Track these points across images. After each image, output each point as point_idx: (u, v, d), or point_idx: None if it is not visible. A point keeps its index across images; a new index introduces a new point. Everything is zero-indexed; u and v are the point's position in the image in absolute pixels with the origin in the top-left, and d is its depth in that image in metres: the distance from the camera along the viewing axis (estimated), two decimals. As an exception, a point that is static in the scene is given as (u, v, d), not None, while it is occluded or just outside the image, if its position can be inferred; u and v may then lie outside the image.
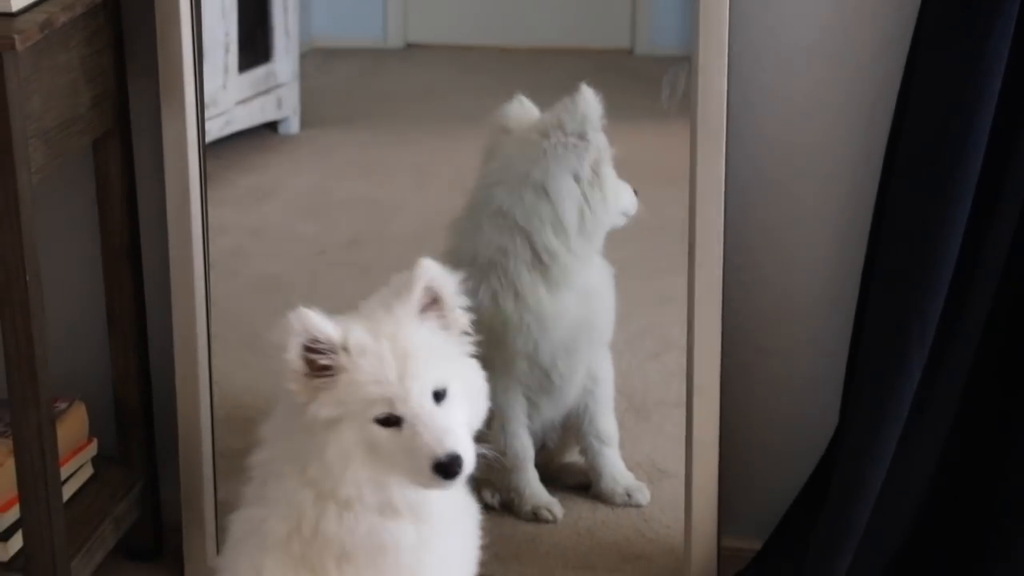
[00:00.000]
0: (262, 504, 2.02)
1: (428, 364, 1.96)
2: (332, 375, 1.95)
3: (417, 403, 1.94)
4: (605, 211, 2.52)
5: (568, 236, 2.51)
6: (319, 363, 1.95)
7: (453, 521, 2.05)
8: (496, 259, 2.53)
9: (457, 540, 2.06)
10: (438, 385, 1.96)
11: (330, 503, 1.97)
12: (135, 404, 2.67)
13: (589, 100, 2.47)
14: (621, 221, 2.54)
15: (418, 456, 1.93)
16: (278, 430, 2.03)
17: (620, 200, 2.52)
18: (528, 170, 2.51)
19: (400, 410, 1.94)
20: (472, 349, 2.06)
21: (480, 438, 2.06)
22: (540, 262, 2.53)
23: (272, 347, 1.96)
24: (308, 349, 1.95)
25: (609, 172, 2.51)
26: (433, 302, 2.02)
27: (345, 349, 1.95)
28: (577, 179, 2.50)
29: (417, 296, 2.00)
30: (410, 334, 1.97)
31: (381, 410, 1.94)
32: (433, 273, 2.01)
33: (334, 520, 1.97)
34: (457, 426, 1.96)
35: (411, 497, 1.99)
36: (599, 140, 2.49)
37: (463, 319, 2.05)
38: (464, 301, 2.05)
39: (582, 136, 2.49)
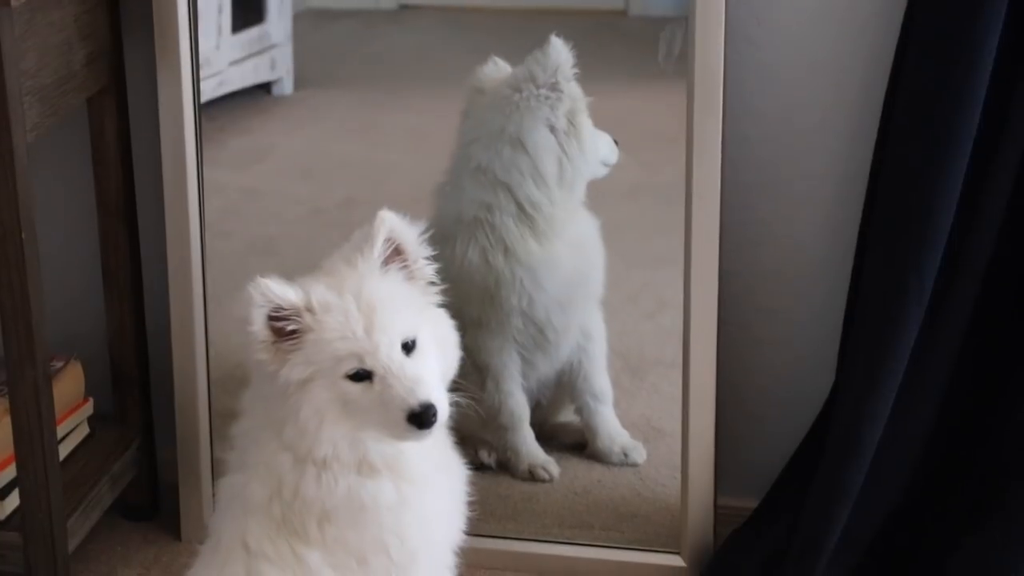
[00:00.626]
0: (243, 470, 2.03)
1: (394, 316, 1.95)
2: (299, 337, 1.94)
3: (386, 355, 1.93)
4: (584, 161, 2.52)
5: (549, 187, 2.52)
6: (286, 329, 1.94)
7: (435, 478, 2.05)
8: (482, 216, 2.54)
9: (441, 498, 2.05)
10: (406, 336, 1.95)
11: (308, 465, 1.97)
12: (131, 363, 2.67)
13: (559, 50, 2.47)
14: (602, 171, 2.54)
15: (391, 408, 1.93)
16: (255, 399, 2.03)
17: (599, 150, 2.53)
18: (503, 125, 2.51)
19: (370, 364, 1.93)
20: (439, 299, 2.06)
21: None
22: (525, 215, 2.54)
23: (237, 321, 1.95)
24: (272, 317, 1.94)
25: (585, 122, 2.51)
26: (396, 253, 2.01)
27: (309, 310, 1.94)
28: (553, 130, 2.51)
29: (378, 248, 1.99)
30: (374, 287, 1.97)
31: (351, 366, 1.94)
32: (393, 224, 2.00)
33: (313, 482, 1.98)
34: (429, 375, 1.95)
35: (388, 453, 1.99)
36: (572, 90, 2.50)
37: (427, 269, 2.04)
38: (427, 251, 2.04)
39: (554, 87, 2.49)
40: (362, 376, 1.94)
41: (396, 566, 2.01)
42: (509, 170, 2.52)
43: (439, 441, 2.07)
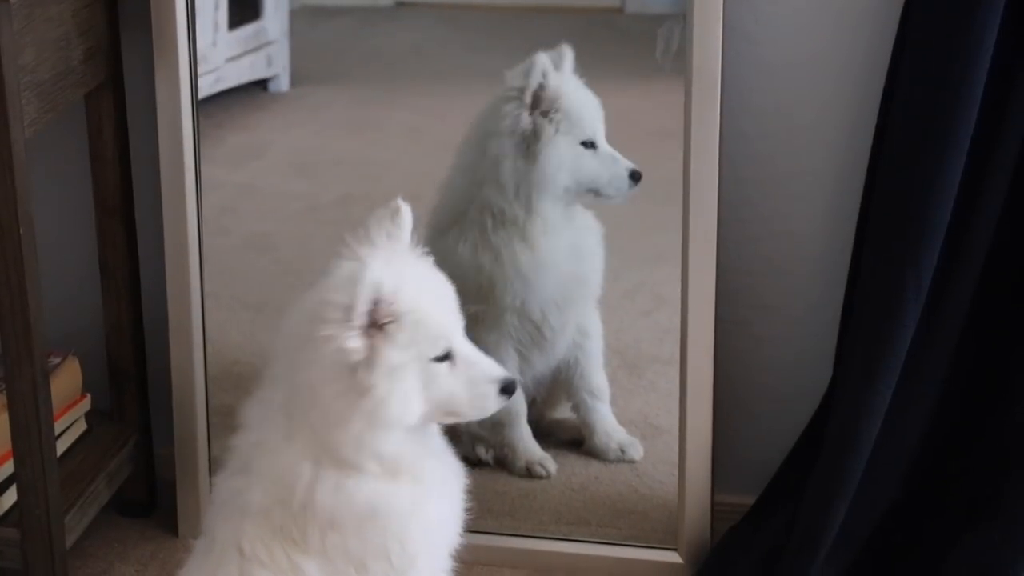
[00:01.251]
0: (245, 475, 2.02)
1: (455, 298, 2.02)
2: (393, 322, 1.94)
3: (463, 336, 2.01)
4: (542, 178, 2.51)
5: (507, 197, 2.52)
6: (380, 314, 1.94)
7: (444, 484, 2.06)
8: (471, 214, 2.55)
9: (445, 505, 2.07)
10: None
11: (329, 472, 1.97)
12: (128, 360, 2.67)
13: (539, 69, 2.49)
14: (578, 193, 2.54)
15: (480, 383, 2.00)
16: (271, 411, 2.01)
17: (574, 172, 2.52)
18: (486, 127, 2.53)
19: (455, 344, 1.99)
20: None
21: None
22: (502, 219, 2.54)
23: (321, 317, 1.93)
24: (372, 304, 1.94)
25: (552, 141, 2.50)
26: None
27: (397, 292, 1.94)
28: (514, 140, 2.51)
29: (406, 236, 2.02)
30: (432, 272, 2.03)
31: (443, 347, 1.98)
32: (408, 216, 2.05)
33: (331, 490, 1.97)
34: None
35: (414, 455, 2.00)
36: (560, 108, 2.51)
37: None
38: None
39: (521, 101, 2.50)
40: (443, 358, 1.98)
41: (395, 571, 2.01)
42: (478, 172, 2.54)
43: (443, 444, 2.09)
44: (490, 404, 2.01)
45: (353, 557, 2.00)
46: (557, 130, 2.50)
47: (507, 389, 2.01)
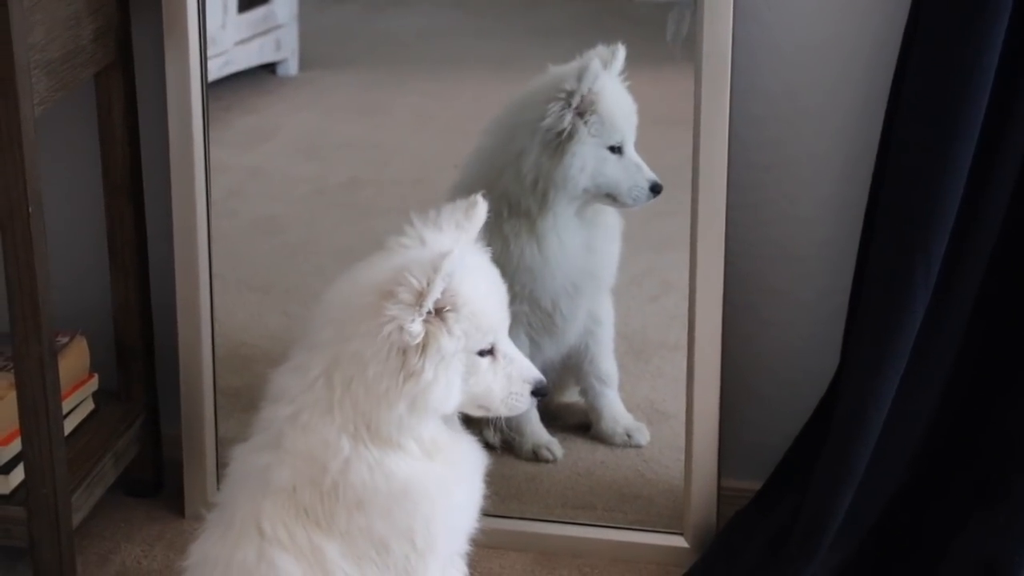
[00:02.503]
0: (272, 451, 2.01)
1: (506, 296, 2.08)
2: (452, 311, 1.98)
3: (507, 333, 2.06)
4: (562, 180, 2.52)
5: (524, 189, 2.53)
6: (439, 303, 1.97)
7: (470, 469, 2.08)
8: (489, 202, 2.53)
9: (468, 490, 2.08)
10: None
11: (369, 449, 1.98)
12: (136, 339, 2.67)
13: (592, 75, 2.49)
14: (613, 201, 2.54)
15: (515, 381, 2.05)
16: (309, 382, 2.00)
17: (595, 176, 2.52)
18: (519, 118, 2.53)
19: (499, 340, 2.04)
20: None
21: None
22: (520, 209, 2.54)
23: (391, 294, 1.95)
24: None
25: (578, 148, 2.51)
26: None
27: (460, 283, 1.98)
28: (549, 138, 2.51)
29: (476, 230, 2.08)
30: (491, 267, 2.08)
31: (488, 341, 2.03)
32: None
33: (368, 467, 1.98)
34: None
35: (448, 438, 2.04)
36: (598, 115, 2.51)
37: None
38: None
39: (567, 103, 2.50)
40: (486, 352, 2.03)
41: (416, 553, 2.02)
42: (501, 160, 2.54)
43: (463, 430, 2.11)
44: (522, 403, 2.06)
45: (377, 539, 2.00)
46: (589, 132, 2.51)
47: (540, 391, 2.07)
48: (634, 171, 2.52)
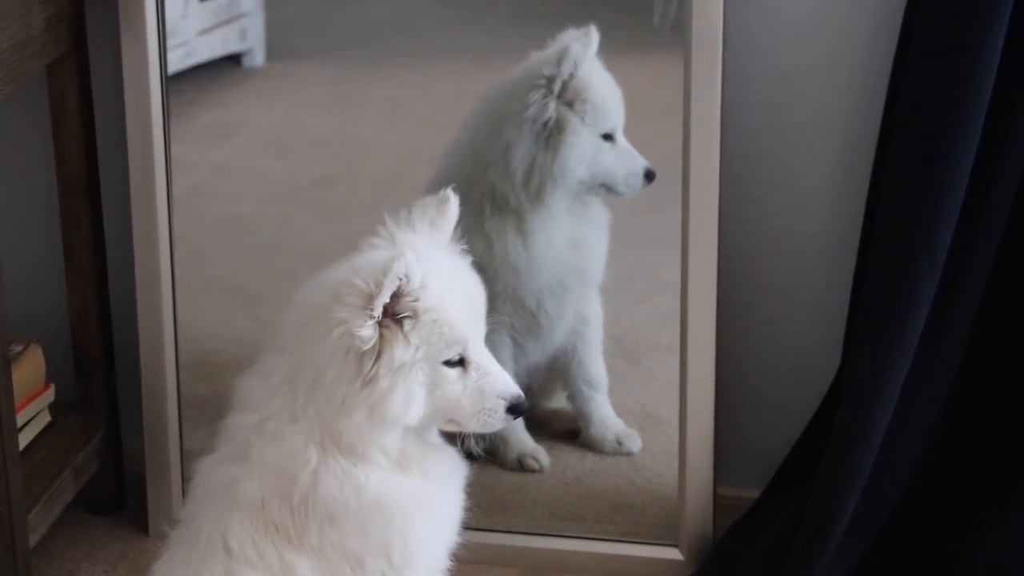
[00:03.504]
0: (239, 463, 2.00)
1: (484, 304, 2.04)
2: (410, 317, 1.94)
3: (482, 343, 2.00)
4: (560, 173, 2.51)
5: (515, 186, 2.52)
6: (398, 306, 1.93)
7: (448, 482, 2.07)
8: (472, 198, 2.52)
9: (447, 503, 2.07)
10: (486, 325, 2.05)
11: (336, 459, 1.96)
12: (95, 347, 2.66)
13: (571, 59, 2.48)
14: (608, 191, 2.54)
15: (489, 396, 2.00)
16: (273, 388, 1.99)
17: (598, 167, 2.51)
18: (503, 109, 2.52)
19: (471, 351, 1.99)
20: None
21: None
22: (506, 206, 2.53)
23: (340, 297, 1.92)
24: (394, 294, 1.94)
25: (574, 138, 2.50)
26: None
27: (425, 288, 1.95)
28: (533, 129, 2.50)
29: (450, 228, 2.04)
30: (466, 271, 2.04)
31: (455, 351, 1.97)
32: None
33: (336, 478, 1.96)
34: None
35: (420, 450, 2.02)
36: (585, 100, 2.50)
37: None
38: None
39: (550, 89, 2.49)
40: (454, 363, 1.98)
41: (393, 570, 2.01)
42: (487, 155, 2.53)
43: (440, 438, 2.09)
44: (495, 420, 2.01)
45: (351, 555, 1.99)
46: (583, 121, 2.50)
47: (516, 409, 2.02)
48: (628, 159, 2.52)
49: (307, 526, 1.97)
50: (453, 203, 2.04)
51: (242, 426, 2.01)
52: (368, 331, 1.91)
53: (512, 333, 2.58)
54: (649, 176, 2.51)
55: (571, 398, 2.65)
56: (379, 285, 1.90)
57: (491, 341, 2.49)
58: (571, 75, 2.48)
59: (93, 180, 2.60)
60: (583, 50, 2.48)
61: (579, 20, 2.48)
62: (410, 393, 1.95)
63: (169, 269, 2.60)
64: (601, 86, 2.50)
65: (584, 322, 2.62)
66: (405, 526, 1.99)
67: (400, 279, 1.91)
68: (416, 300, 1.93)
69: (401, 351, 1.93)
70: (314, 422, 1.96)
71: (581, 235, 2.57)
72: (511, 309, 2.56)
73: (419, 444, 2.02)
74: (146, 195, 2.56)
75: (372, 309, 1.91)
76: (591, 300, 2.62)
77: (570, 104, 2.50)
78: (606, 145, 2.51)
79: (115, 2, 2.50)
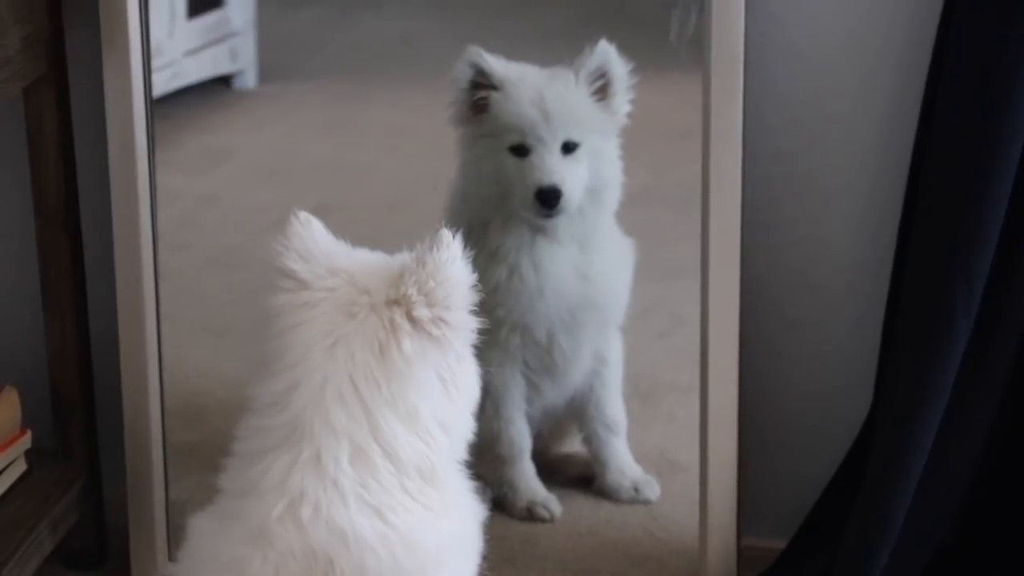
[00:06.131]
0: (255, 545, 1.96)
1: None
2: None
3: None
4: (477, 188, 2.55)
5: (487, 204, 2.55)
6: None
7: (471, 526, 2.07)
8: (479, 214, 2.56)
9: (467, 547, 2.07)
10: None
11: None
12: (74, 390, 2.67)
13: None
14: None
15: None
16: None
17: (498, 185, 2.53)
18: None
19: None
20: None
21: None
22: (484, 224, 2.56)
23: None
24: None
25: (469, 152, 2.55)
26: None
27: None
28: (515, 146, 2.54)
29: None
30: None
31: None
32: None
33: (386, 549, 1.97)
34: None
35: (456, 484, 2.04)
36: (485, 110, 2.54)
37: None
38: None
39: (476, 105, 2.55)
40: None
41: None
42: (469, 175, 2.57)
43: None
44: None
45: None
46: (481, 131, 2.56)
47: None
48: (530, 175, 2.52)
49: None
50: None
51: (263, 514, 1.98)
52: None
53: (525, 372, 2.60)
54: (544, 197, 2.51)
55: (587, 441, 2.66)
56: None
57: (500, 378, 2.55)
58: (469, 81, 2.52)
59: (72, 210, 2.61)
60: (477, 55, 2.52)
61: (590, 35, 2.50)
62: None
63: (154, 306, 2.61)
64: (513, 94, 2.52)
65: (603, 362, 2.63)
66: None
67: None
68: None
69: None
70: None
71: (586, 264, 2.58)
72: (519, 342, 2.58)
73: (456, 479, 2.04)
74: (129, 226, 2.57)
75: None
76: (610, 340, 2.63)
77: (481, 112, 2.53)
78: (511, 159, 2.53)
79: (96, 20, 2.52)
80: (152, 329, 2.62)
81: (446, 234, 1.96)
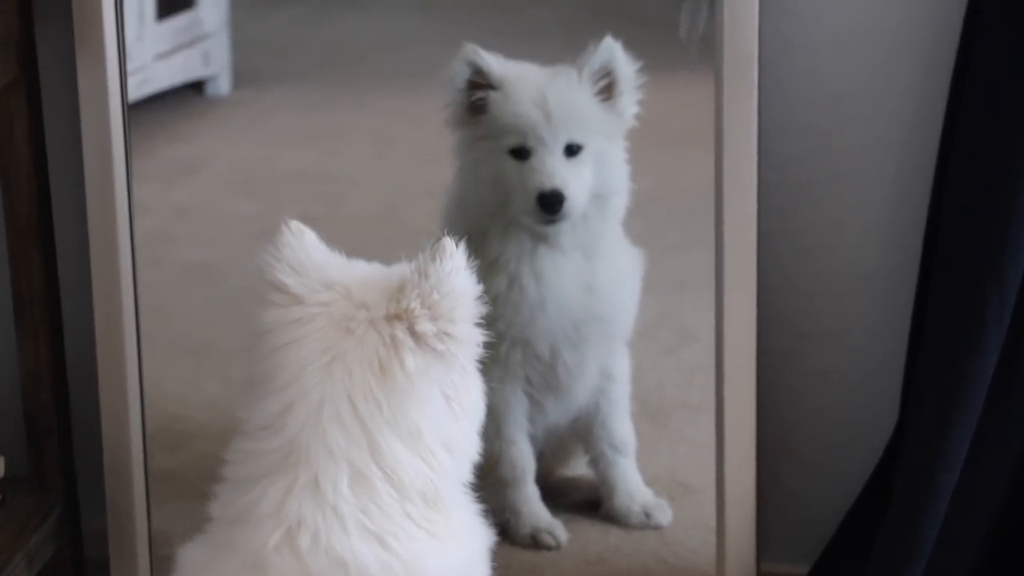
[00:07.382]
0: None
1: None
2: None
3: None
4: (474, 193, 2.56)
5: (486, 210, 2.55)
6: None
7: (480, 555, 2.06)
8: (477, 221, 2.57)
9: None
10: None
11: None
12: (49, 414, 2.67)
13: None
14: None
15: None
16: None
17: (497, 190, 2.54)
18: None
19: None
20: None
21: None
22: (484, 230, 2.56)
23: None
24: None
25: (467, 155, 2.55)
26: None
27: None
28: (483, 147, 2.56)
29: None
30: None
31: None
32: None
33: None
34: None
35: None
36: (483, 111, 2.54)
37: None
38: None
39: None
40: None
41: None
42: (467, 180, 2.58)
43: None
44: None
45: None
46: (478, 133, 2.56)
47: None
48: (531, 179, 2.52)
49: None
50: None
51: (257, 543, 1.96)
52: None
53: (527, 389, 2.60)
54: (546, 202, 2.51)
55: (593, 463, 2.67)
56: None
57: (502, 396, 2.54)
58: (466, 81, 2.52)
59: (46, 223, 2.61)
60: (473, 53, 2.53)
61: (589, 34, 2.51)
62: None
63: (134, 325, 2.60)
64: (513, 94, 2.52)
65: (609, 379, 2.64)
66: None
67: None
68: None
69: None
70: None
71: (591, 275, 2.59)
72: (520, 358, 2.58)
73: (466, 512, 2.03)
74: (107, 240, 2.57)
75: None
76: (617, 355, 2.64)
77: (478, 113, 2.54)
78: (511, 162, 2.54)
79: (69, 23, 2.52)
80: (132, 349, 2.62)
81: (449, 243, 1.94)
